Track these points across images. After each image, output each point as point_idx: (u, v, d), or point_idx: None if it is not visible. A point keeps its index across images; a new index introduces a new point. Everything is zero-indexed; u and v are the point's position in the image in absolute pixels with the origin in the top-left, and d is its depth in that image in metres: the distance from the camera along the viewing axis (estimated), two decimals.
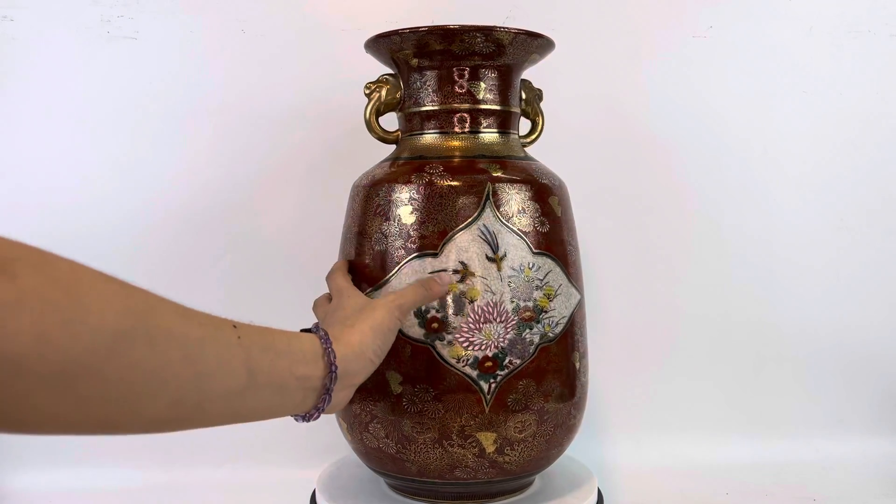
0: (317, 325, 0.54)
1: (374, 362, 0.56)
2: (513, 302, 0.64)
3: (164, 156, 0.92)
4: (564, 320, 0.67)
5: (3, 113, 0.90)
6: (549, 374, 0.65)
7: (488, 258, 0.63)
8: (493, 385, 0.63)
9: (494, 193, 0.64)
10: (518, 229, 0.64)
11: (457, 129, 0.68)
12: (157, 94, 0.92)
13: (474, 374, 0.63)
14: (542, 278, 0.65)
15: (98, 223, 0.91)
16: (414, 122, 0.70)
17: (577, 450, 0.84)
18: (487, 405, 0.63)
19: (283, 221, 0.94)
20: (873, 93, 0.96)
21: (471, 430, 0.63)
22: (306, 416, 0.52)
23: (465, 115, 0.68)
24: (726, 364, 0.97)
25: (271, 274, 0.93)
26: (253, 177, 0.93)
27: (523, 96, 0.73)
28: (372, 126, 0.71)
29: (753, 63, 0.95)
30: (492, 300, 0.63)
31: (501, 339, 0.63)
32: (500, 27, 0.65)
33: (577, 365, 0.69)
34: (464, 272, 0.63)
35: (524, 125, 0.74)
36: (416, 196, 0.65)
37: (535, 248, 0.65)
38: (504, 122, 0.70)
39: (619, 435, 0.95)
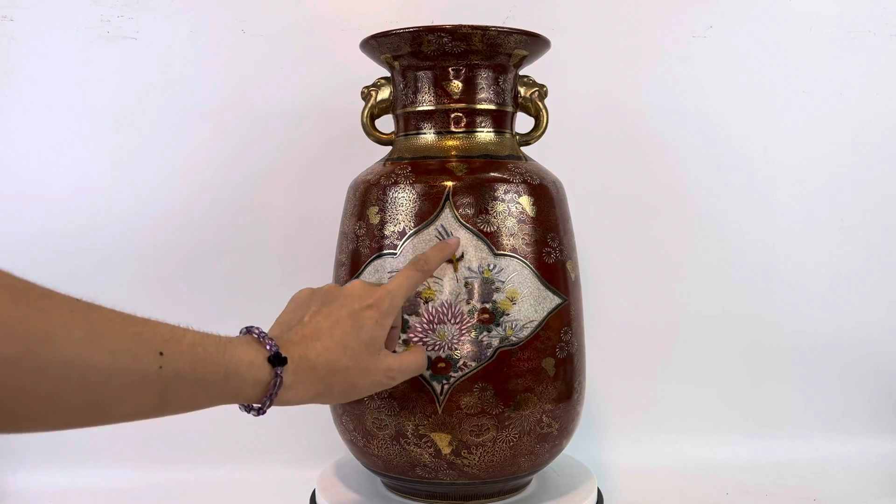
0: (276, 354, 0.48)
1: (329, 383, 0.52)
2: (469, 304, 0.63)
3: (164, 155, 0.92)
4: (533, 324, 0.64)
5: (3, 112, 0.90)
6: (511, 380, 0.63)
7: (447, 259, 0.64)
8: (445, 386, 0.63)
9: (455, 193, 0.64)
10: (478, 230, 0.63)
11: (440, 129, 0.68)
12: (157, 93, 0.92)
13: (427, 374, 0.63)
14: (503, 280, 0.63)
15: (97, 222, 0.91)
16: (400, 122, 0.71)
17: (577, 450, 0.84)
18: (440, 406, 0.63)
19: (283, 221, 0.94)
20: (873, 93, 0.96)
21: (425, 430, 0.63)
22: (248, 409, 0.50)
23: (447, 114, 0.68)
24: (726, 364, 0.97)
25: (271, 273, 0.93)
26: (253, 176, 0.93)
27: (521, 93, 0.71)
28: (367, 129, 0.72)
29: (753, 63, 0.95)
30: (446, 301, 0.63)
31: (456, 341, 0.63)
32: (464, 25, 0.64)
33: (553, 372, 0.65)
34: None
35: (528, 123, 0.73)
36: (382, 197, 0.66)
37: (498, 250, 0.63)
38: (496, 122, 0.69)
39: (619, 435, 0.95)
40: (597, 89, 0.94)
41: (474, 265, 0.63)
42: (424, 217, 0.64)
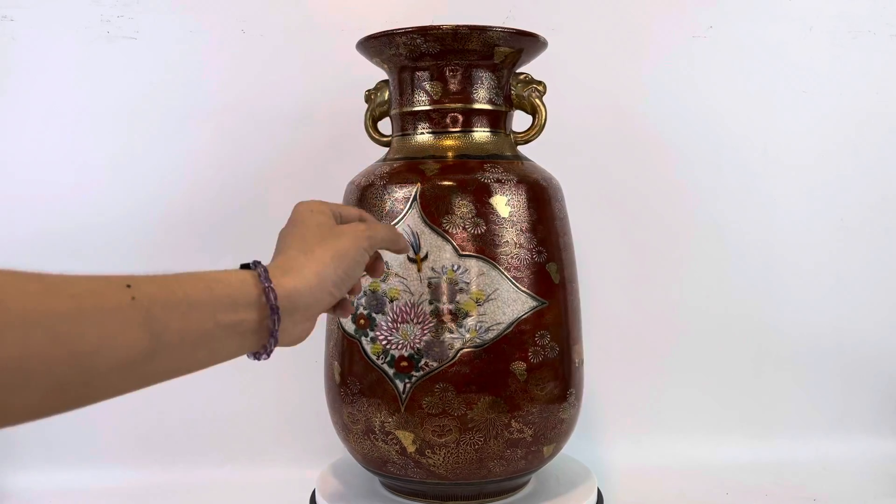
0: (256, 262, 0.45)
1: (334, 294, 0.48)
2: (432, 304, 0.63)
3: (164, 155, 0.92)
4: (500, 327, 0.63)
5: (3, 112, 0.90)
6: (474, 382, 0.63)
7: (409, 259, 0.64)
8: (408, 385, 0.64)
9: (422, 194, 0.64)
10: (444, 230, 0.63)
11: (423, 130, 0.68)
12: (157, 93, 0.92)
13: (391, 372, 0.64)
14: (468, 281, 0.63)
15: (97, 222, 0.91)
16: (393, 123, 0.72)
17: (577, 450, 0.84)
18: (403, 404, 0.64)
19: (284, 220, 0.94)
20: (873, 93, 0.96)
21: (390, 427, 0.65)
22: (256, 355, 0.45)
23: (428, 115, 0.68)
24: (726, 364, 0.97)
25: None
26: (253, 176, 0.93)
27: (515, 91, 0.70)
28: (368, 131, 0.74)
29: (753, 63, 0.95)
30: (409, 301, 0.63)
31: (418, 341, 0.63)
32: (436, 26, 0.64)
33: (524, 376, 0.64)
34: (386, 272, 0.64)
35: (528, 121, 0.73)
36: (362, 197, 0.67)
37: (463, 251, 0.63)
38: (482, 121, 0.68)
39: (619, 435, 0.95)
40: (597, 89, 0.94)
41: (438, 265, 0.63)
42: (394, 217, 0.65)
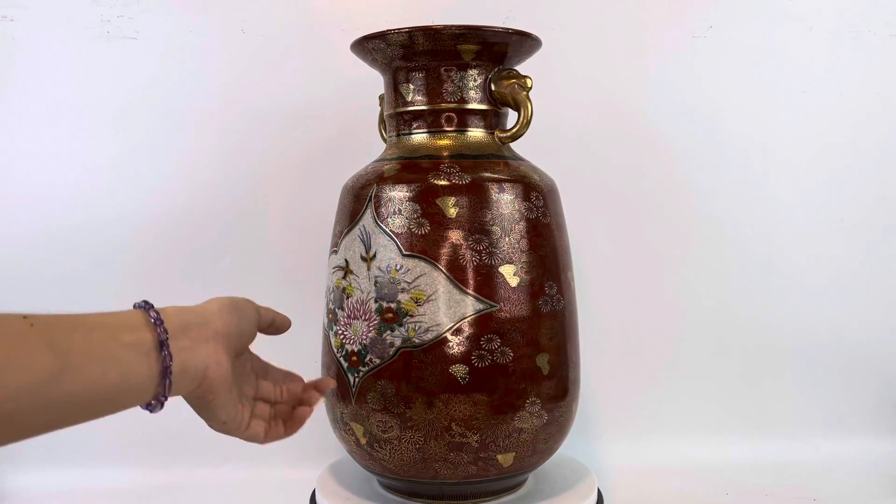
0: (137, 303, 0.46)
1: (223, 313, 0.49)
2: (377, 302, 0.64)
3: (163, 154, 0.92)
4: (439, 328, 0.62)
5: (3, 112, 0.90)
6: (412, 381, 0.62)
7: (362, 257, 0.65)
8: (356, 379, 0.65)
9: (377, 195, 0.65)
10: (390, 230, 0.64)
11: (399, 132, 0.70)
12: (157, 93, 0.92)
13: (345, 365, 0.66)
14: (410, 281, 0.63)
15: (97, 222, 0.91)
16: (388, 124, 0.73)
17: (577, 449, 0.84)
18: (353, 397, 0.66)
19: (284, 220, 0.94)
20: (873, 93, 0.96)
21: (347, 419, 0.67)
22: (158, 395, 0.43)
23: (401, 116, 0.69)
24: (726, 364, 0.97)
25: (271, 273, 0.93)
26: (253, 176, 0.93)
27: (494, 88, 0.68)
28: (380, 131, 0.77)
29: (754, 63, 0.95)
30: (360, 298, 0.65)
31: (364, 337, 0.65)
32: (395, 29, 0.65)
33: (466, 380, 0.62)
34: (346, 269, 0.66)
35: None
36: (342, 197, 0.70)
37: (406, 250, 0.63)
38: (448, 120, 0.68)
39: (619, 435, 0.95)
40: (599, 89, 0.94)
41: (383, 265, 0.64)
42: (354, 217, 0.67)
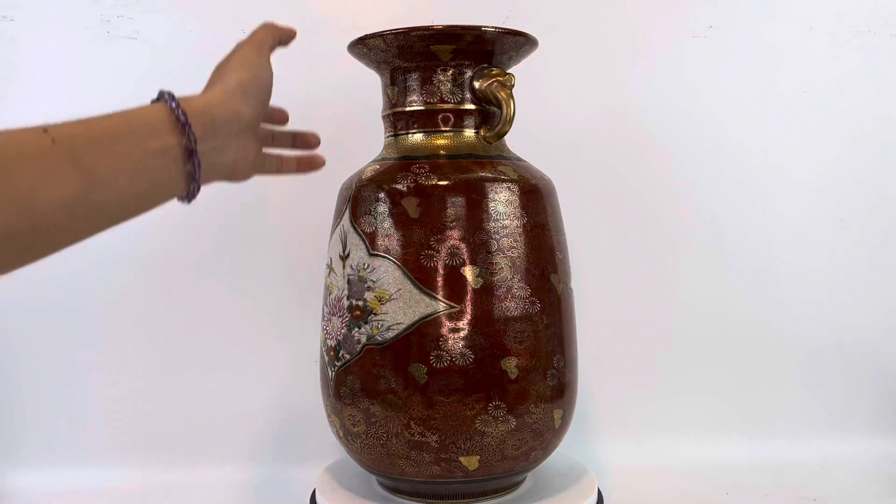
0: (162, 92, 0.46)
1: (250, 102, 0.49)
2: (349, 300, 0.66)
3: None
4: (400, 327, 0.63)
5: (3, 112, 0.90)
6: (376, 378, 0.64)
7: (340, 256, 0.68)
8: (332, 373, 0.68)
9: (354, 196, 0.68)
10: (362, 230, 0.66)
11: (390, 133, 0.71)
12: (157, 93, 0.91)
13: (326, 359, 0.69)
14: (375, 280, 0.64)
15: None
16: (384, 124, 0.73)
17: (577, 449, 0.84)
18: (331, 390, 0.68)
19: (284, 220, 0.94)
20: (873, 93, 0.96)
21: (329, 411, 0.70)
22: (189, 194, 0.46)
23: (389, 118, 0.71)
24: (726, 364, 0.97)
25: (272, 273, 0.93)
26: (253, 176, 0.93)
27: (477, 86, 0.67)
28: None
29: (753, 63, 0.95)
30: (337, 295, 0.67)
31: (339, 333, 0.67)
32: (379, 33, 0.66)
33: (424, 380, 0.62)
34: (330, 267, 0.69)
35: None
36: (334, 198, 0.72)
37: (373, 250, 0.65)
38: (424, 121, 0.68)
39: (619, 435, 0.95)
40: (597, 89, 0.94)
41: (355, 263, 0.66)
42: (339, 216, 0.69)
